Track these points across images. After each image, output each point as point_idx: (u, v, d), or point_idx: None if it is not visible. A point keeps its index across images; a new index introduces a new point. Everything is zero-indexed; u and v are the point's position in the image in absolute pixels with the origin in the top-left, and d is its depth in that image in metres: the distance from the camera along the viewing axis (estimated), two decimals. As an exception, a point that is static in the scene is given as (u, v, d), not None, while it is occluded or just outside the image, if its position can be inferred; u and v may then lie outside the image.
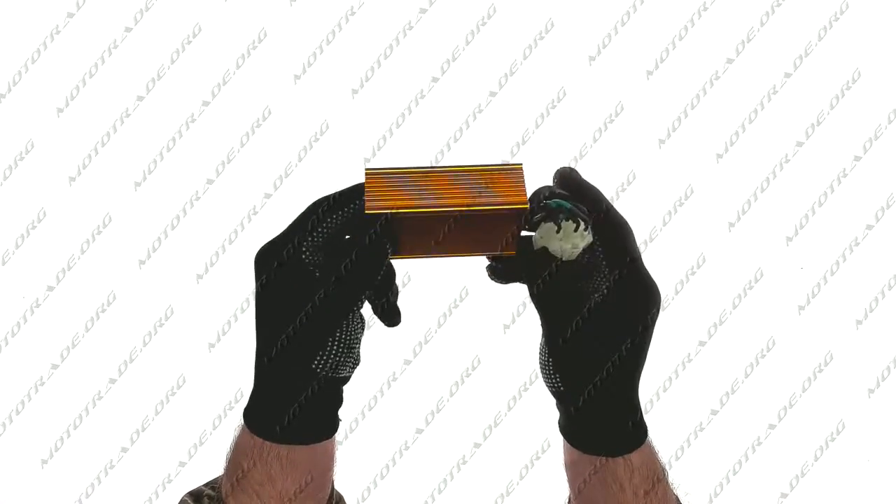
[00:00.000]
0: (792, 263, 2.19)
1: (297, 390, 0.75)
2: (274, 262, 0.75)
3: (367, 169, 0.76)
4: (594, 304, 0.74)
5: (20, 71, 2.21)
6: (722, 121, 2.21)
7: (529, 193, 0.75)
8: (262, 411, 0.75)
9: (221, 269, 1.99)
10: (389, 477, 1.75)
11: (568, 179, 0.77)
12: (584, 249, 0.76)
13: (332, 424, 0.77)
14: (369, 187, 0.75)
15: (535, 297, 0.76)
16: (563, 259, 0.76)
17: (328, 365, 0.74)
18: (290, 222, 0.77)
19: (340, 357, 0.75)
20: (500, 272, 0.78)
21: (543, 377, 0.77)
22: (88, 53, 2.20)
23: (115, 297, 2.06)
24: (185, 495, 0.80)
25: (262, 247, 0.76)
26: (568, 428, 0.78)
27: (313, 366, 0.74)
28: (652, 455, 0.77)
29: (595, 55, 2.29)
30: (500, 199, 0.74)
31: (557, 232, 0.75)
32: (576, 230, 0.75)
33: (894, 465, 1.99)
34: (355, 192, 0.76)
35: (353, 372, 0.77)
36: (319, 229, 0.75)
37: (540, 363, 0.78)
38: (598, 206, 0.76)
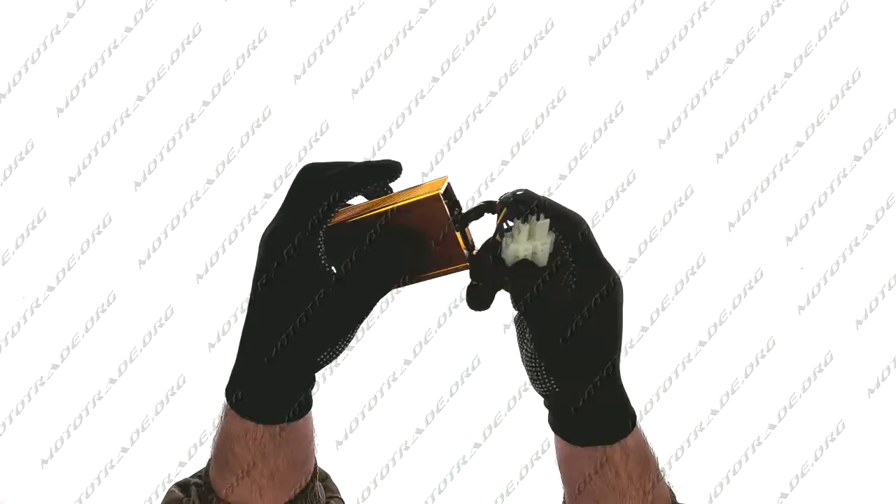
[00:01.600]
0: (792, 263, 2.19)
1: (299, 381, 0.74)
2: (284, 253, 0.72)
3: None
4: (571, 300, 0.74)
5: (20, 71, 2.21)
6: (722, 121, 2.21)
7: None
8: (259, 399, 0.74)
9: (221, 269, 1.98)
10: (389, 477, 1.75)
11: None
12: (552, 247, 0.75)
13: (310, 396, 0.78)
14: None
15: (521, 308, 0.75)
16: (539, 262, 0.74)
17: (332, 357, 0.74)
18: (292, 198, 0.74)
19: (343, 349, 0.75)
20: (478, 296, 0.76)
21: (534, 382, 0.77)
22: (88, 53, 2.20)
23: (115, 297, 2.06)
24: (172, 486, 0.81)
25: (269, 233, 0.74)
26: (562, 425, 0.78)
27: (318, 359, 0.74)
28: (643, 437, 0.78)
29: (595, 55, 2.29)
30: (417, 192, 0.75)
31: (519, 232, 0.74)
32: (537, 220, 0.74)
33: (894, 465, 1.99)
34: (377, 170, 0.74)
35: None
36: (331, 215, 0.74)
37: (528, 369, 0.77)
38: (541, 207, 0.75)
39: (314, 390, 0.77)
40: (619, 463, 0.75)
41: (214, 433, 0.78)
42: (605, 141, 2.17)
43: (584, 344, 0.74)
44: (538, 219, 0.74)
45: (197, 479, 0.80)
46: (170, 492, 0.80)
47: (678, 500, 0.81)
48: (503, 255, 0.74)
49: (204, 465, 0.82)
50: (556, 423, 0.78)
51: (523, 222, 0.73)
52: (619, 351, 0.77)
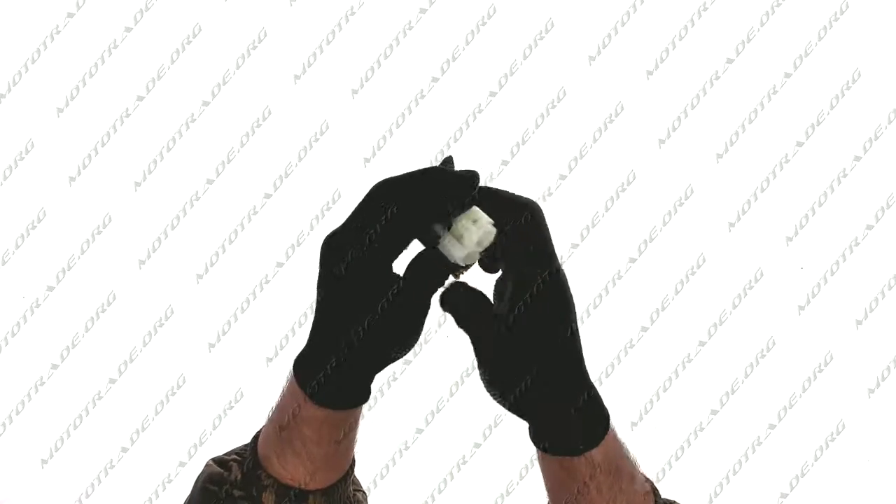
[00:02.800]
0: (792, 263, 2.19)
1: (373, 371, 0.77)
2: (349, 255, 0.74)
3: None
4: (519, 310, 0.74)
5: (20, 71, 2.21)
6: (722, 121, 2.21)
7: None
8: (337, 388, 0.76)
9: (221, 269, 1.99)
10: (389, 477, 1.75)
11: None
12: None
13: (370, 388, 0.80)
14: None
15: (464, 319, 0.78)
16: (481, 251, 0.74)
17: (405, 352, 0.78)
18: (360, 210, 0.75)
19: (413, 345, 0.78)
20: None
21: (489, 392, 0.78)
22: (88, 53, 2.20)
23: (115, 297, 2.06)
24: (210, 460, 0.81)
25: (335, 243, 0.75)
26: (530, 432, 0.77)
27: (392, 354, 0.77)
28: (615, 449, 0.76)
29: (595, 55, 2.29)
30: None
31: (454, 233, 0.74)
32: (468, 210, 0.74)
33: (894, 465, 1.99)
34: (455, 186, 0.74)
35: None
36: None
37: (482, 381, 0.78)
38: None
39: None
40: (586, 474, 0.74)
41: (277, 413, 0.79)
42: (605, 141, 2.17)
43: (519, 350, 0.75)
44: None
45: (236, 456, 0.81)
46: (207, 465, 0.81)
47: (662, 498, 0.80)
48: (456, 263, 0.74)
49: (228, 447, 0.82)
50: (529, 430, 0.78)
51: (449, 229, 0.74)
52: (563, 356, 0.75)
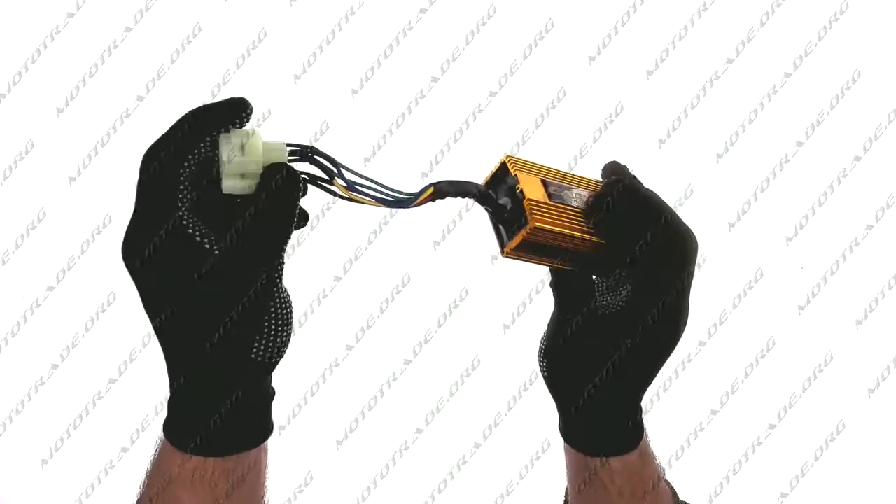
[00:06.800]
0: (792, 263, 2.19)
1: (246, 392, 0.61)
2: (148, 248, 0.59)
3: (509, 157, 0.72)
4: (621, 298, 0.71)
5: (20, 71, 2.21)
6: (722, 121, 2.21)
7: None
8: (199, 426, 0.60)
9: (221, 269, 1.98)
10: (389, 477, 1.75)
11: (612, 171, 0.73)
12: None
13: (270, 419, 0.65)
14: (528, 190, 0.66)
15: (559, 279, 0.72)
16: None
17: (269, 349, 0.62)
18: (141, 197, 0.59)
19: (280, 336, 0.62)
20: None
21: (538, 358, 0.75)
22: (88, 53, 2.20)
23: (115, 297, 2.06)
24: None
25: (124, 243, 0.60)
26: (561, 419, 0.76)
27: (252, 356, 0.62)
28: (641, 464, 0.74)
29: (595, 55, 2.28)
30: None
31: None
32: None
33: (894, 465, 1.99)
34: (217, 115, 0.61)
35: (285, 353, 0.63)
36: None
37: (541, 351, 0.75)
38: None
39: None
40: (606, 479, 0.73)
41: (146, 479, 0.62)
42: (605, 141, 2.17)
43: (586, 341, 0.73)
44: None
45: None
46: None
47: (681, 499, 0.81)
48: None
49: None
50: (559, 419, 0.77)
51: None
52: (638, 379, 0.74)
